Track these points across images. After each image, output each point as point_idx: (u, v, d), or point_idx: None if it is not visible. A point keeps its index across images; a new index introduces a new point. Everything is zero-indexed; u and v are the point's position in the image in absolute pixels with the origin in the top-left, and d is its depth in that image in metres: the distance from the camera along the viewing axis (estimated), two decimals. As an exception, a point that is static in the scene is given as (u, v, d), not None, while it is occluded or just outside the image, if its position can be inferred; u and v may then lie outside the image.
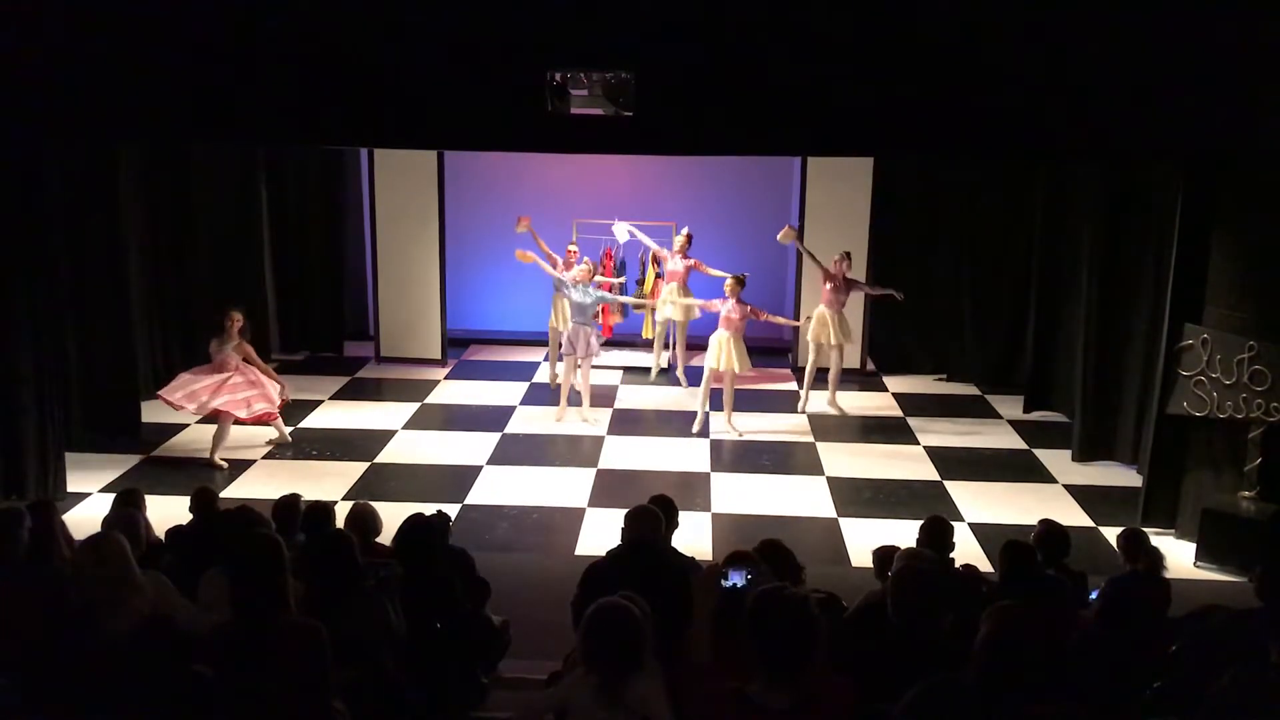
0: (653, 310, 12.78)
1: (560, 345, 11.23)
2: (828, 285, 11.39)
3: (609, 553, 5.37)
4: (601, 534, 8.11)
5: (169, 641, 3.98)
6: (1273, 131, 7.39)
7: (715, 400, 11.51)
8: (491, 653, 5.69)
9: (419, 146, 11.69)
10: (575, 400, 11.17)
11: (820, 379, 11.68)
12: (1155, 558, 5.91)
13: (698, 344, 12.81)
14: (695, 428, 10.86)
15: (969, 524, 8.61)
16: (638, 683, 3.66)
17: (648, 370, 12.98)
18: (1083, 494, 9.45)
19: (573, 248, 11.63)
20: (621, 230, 12.37)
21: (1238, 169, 7.83)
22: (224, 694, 3.75)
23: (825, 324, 11.39)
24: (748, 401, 11.89)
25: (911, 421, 11.45)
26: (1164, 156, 8.47)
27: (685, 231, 12.27)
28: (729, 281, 10.69)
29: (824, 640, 3.50)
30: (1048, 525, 6.03)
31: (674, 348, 12.53)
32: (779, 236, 11.67)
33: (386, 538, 5.85)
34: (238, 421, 9.84)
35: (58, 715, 3.85)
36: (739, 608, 3.70)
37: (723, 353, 10.59)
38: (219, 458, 9.72)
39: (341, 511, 6.23)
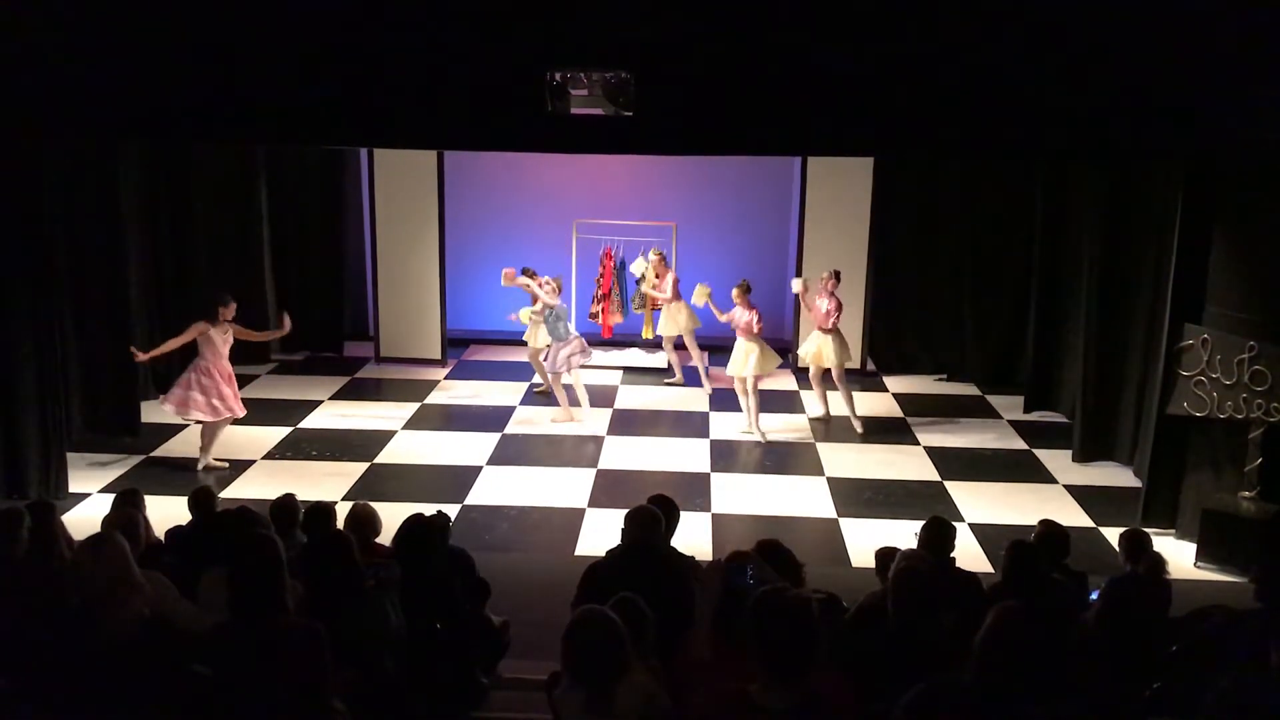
0: (653, 308, 12.81)
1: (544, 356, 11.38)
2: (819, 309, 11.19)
3: (609, 553, 5.36)
4: (601, 534, 8.11)
5: (169, 641, 3.98)
6: (1273, 131, 7.39)
7: (726, 400, 11.56)
8: (491, 653, 5.69)
9: (419, 146, 11.69)
10: (574, 401, 11.21)
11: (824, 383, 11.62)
12: (1158, 561, 5.90)
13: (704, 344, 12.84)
14: (750, 433, 10.81)
15: (969, 524, 8.61)
16: (626, 688, 3.63)
17: (648, 370, 12.98)
18: (1083, 494, 9.45)
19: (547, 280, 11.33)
20: (639, 265, 12.43)
21: (1238, 169, 7.83)
22: (223, 694, 3.75)
23: (817, 347, 11.16)
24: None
25: (911, 421, 11.45)
26: (1164, 156, 8.47)
27: (656, 251, 12.21)
28: (735, 290, 10.72)
29: (825, 641, 3.50)
30: (1048, 526, 6.03)
31: (696, 358, 12.40)
32: (794, 287, 11.45)
33: (386, 538, 5.85)
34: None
35: (58, 715, 3.85)
36: (739, 607, 3.70)
37: (743, 359, 10.63)
38: (214, 459, 9.71)
39: (342, 512, 6.23)
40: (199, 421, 9.67)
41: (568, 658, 3.67)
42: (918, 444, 10.76)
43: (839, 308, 10.98)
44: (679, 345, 12.55)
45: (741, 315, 10.66)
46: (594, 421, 11.17)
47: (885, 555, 5.72)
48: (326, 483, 9.30)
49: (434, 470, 9.89)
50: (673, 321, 12.25)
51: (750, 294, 10.76)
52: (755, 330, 10.63)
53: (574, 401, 11.18)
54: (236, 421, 9.93)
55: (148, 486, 7.46)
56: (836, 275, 10.99)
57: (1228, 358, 7.77)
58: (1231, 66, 7.37)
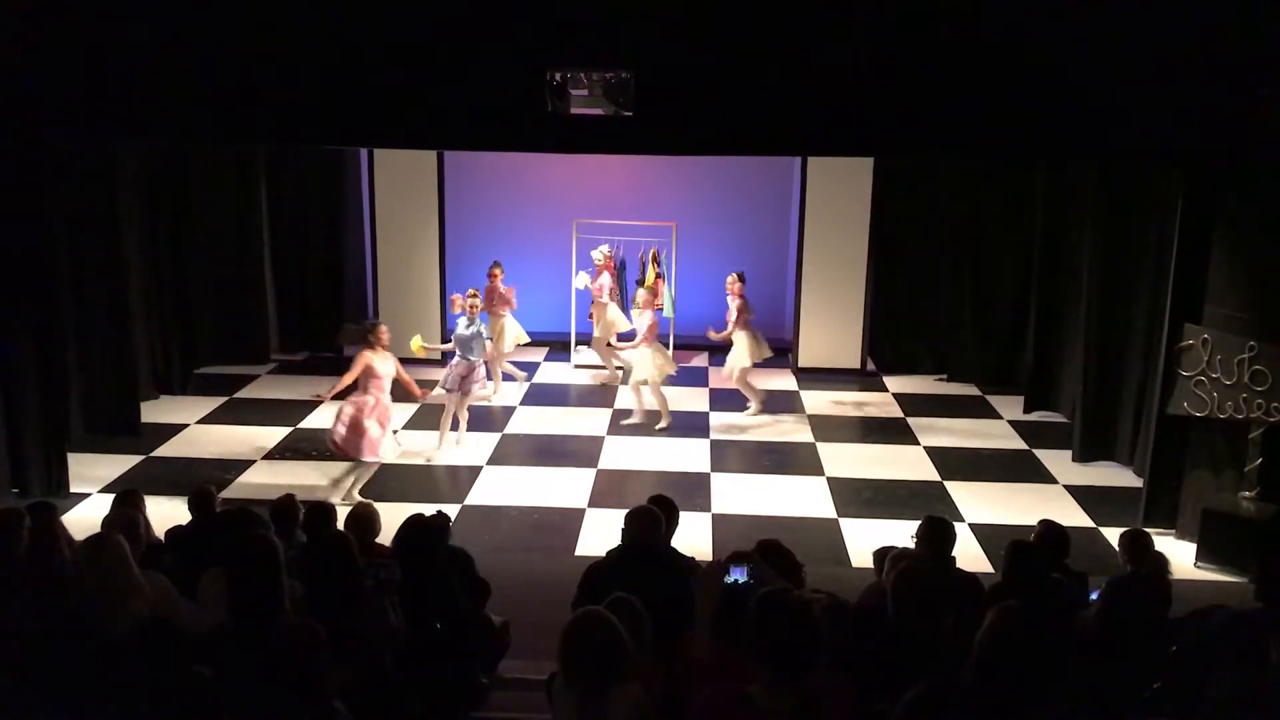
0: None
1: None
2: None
3: (609, 553, 5.37)
4: (601, 534, 8.11)
5: (169, 641, 3.98)
6: (1273, 131, 7.39)
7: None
8: (491, 653, 5.69)
9: (419, 146, 11.69)
10: (456, 425, 10.37)
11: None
12: (1160, 562, 5.89)
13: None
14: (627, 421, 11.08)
15: (969, 524, 8.61)
16: (618, 696, 3.62)
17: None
18: (1083, 494, 9.45)
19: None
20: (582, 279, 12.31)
21: (1238, 169, 7.83)
22: (224, 694, 3.75)
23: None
24: (748, 401, 11.88)
25: (911, 421, 11.45)
26: (1164, 156, 8.47)
27: (605, 250, 12.27)
28: (640, 293, 10.94)
29: (826, 643, 3.50)
30: (1048, 526, 6.02)
31: (604, 360, 12.62)
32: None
33: (386, 538, 5.85)
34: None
35: (58, 715, 3.85)
36: (740, 606, 3.69)
37: (648, 363, 10.85)
38: (357, 493, 8.94)
39: (342, 512, 6.23)
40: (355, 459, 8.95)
41: (564, 659, 3.66)
42: (918, 444, 10.76)
43: (744, 309, 11.13)
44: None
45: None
46: (594, 421, 11.17)
47: (883, 556, 5.74)
48: (326, 483, 9.30)
49: (434, 470, 9.89)
50: (600, 324, 12.24)
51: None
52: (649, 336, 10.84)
53: (454, 425, 10.31)
54: (234, 421, 9.91)
55: (148, 486, 7.45)
56: (740, 276, 11.17)
57: (1228, 358, 7.77)
58: (1231, 66, 7.37)
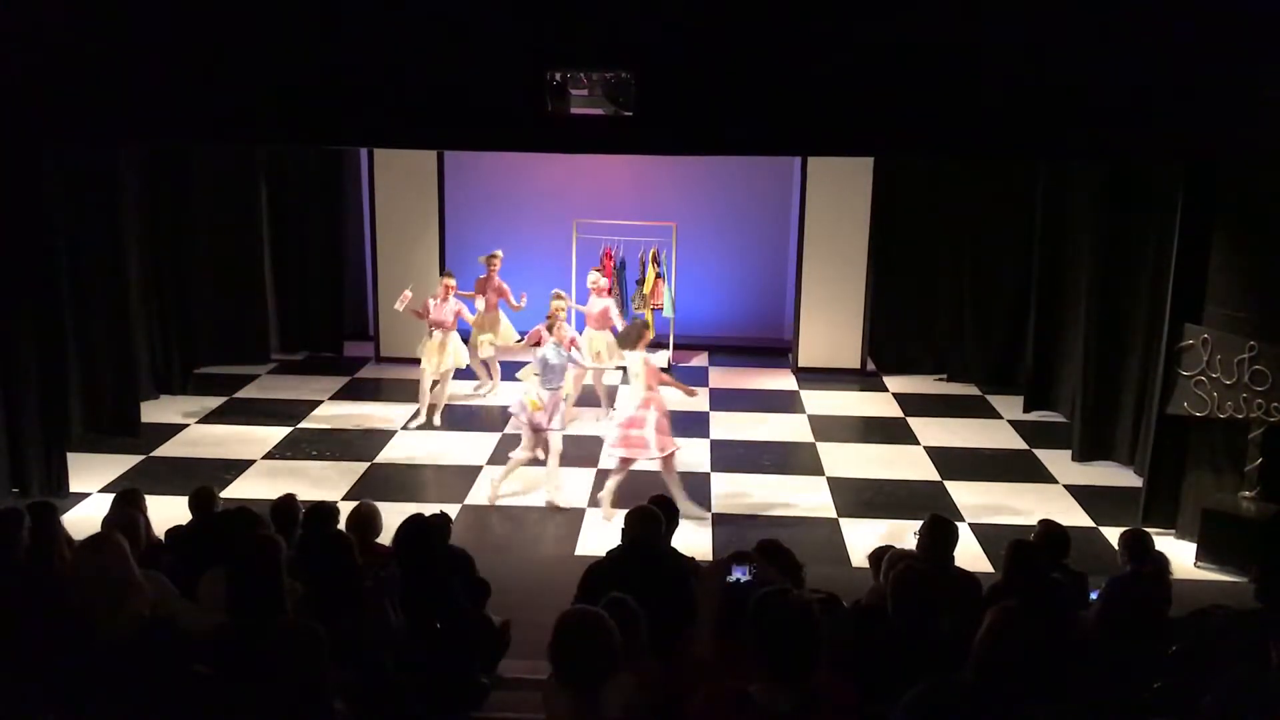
0: (654, 308, 12.80)
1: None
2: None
3: (609, 553, 5.37)
4: (601, 534, 8.12)
5: (169, 641, 3.98)
6: (1273, 131, 7.39)
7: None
8: (491, 653, 5.69)
9: (419, 146, 11.69)
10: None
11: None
12: (1161, 563, 5.89)
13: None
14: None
15: (969, 524, 8.60)
16: (613, 684, 3.61)
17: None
18: (1083, 494, 9.45)
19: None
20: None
21: (1238, 169, 7.83)
22: (224, 694, 3.75)
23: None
24: (748, 401, 11.90)
25: (911, 421, 11.45)
26: (1164, 157, 8.47)
27: (498, 252, 11.69)
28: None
29: (826, 643, 3.50)
30: (1048, 526, 6.03)
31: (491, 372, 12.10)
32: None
33: (386, 538, 5.85)
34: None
35: (58, 715, 3.85)
36: (741, 605, 3.69)
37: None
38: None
39: (344, 511, 6.23)
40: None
41: (554, 657, 3.66)
42: (918, 444, 10.76)
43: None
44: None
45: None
46: (593, 421, 11.16)
47: (879, 557, 5.75)
48: (326, 483, 9.30)
49: (434, 470, 9.88)
50: (494, 330, 11.61)
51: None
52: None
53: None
54: (235, 421, 9.84)
55: (148, 486, 7.45)
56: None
57: (1228, 358, 7.77)
58: (1231, 66, 7.37)
